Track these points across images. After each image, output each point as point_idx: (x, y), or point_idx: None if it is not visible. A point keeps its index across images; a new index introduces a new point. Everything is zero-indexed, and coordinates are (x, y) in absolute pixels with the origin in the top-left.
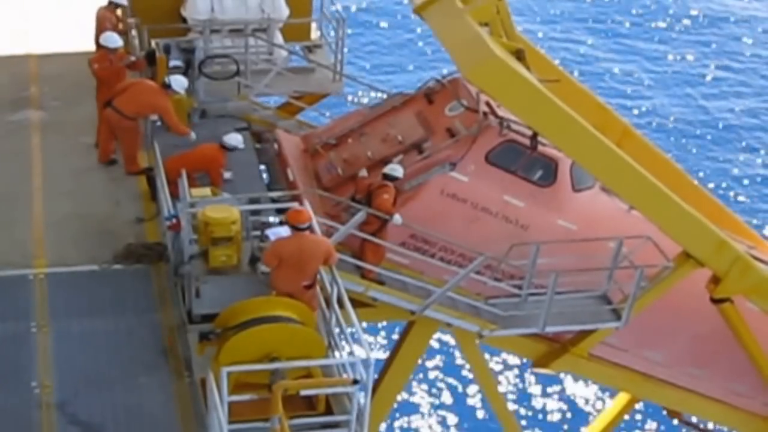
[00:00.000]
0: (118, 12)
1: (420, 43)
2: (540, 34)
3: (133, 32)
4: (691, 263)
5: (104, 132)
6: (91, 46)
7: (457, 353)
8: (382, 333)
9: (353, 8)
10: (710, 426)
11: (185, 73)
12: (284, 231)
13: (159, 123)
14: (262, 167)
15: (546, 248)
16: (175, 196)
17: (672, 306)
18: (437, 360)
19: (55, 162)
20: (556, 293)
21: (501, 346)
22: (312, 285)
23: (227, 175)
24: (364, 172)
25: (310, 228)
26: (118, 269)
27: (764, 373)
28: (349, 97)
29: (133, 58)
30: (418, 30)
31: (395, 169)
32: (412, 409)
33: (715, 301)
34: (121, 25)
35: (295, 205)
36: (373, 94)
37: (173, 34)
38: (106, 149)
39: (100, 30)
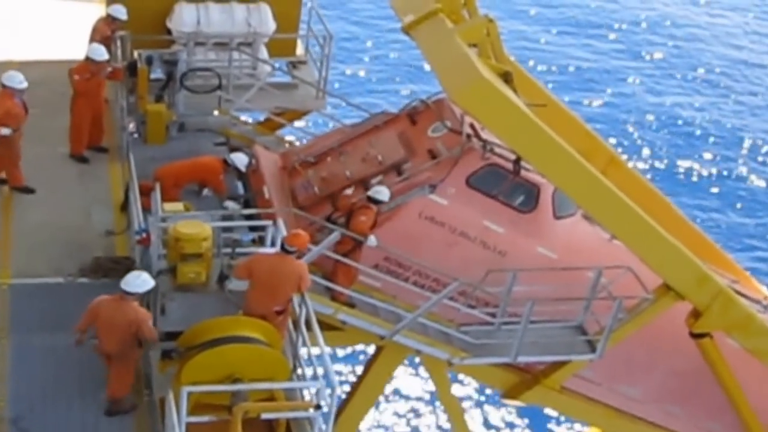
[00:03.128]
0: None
1: (407, 63)
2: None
3: (118, 42)
4: (671, 296)
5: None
6: (74, 54)
7: (426, 380)
8: (350, 357)
9: (340, 25)
10: None
11: (166, 86)
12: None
13: (136, 135)
14: (239, 183)
15: (523, 276)
16: (147, 209)
17: (650, 340)
18: (405, 386)
19: (29, 170)
20: (531, 322)
21: (471, 374)
22: (284, 311)
23: (205, 191)
24: (349, 191)
25: (295, 253)
26: (83, 283)
27: (742, 411)
28: (329, 110)
29: (110, 69)
30: (406, 50)
31: (380, 192)
32: None
33: (695, 336)
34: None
35: (268, 223)
36: (355, 112)
37: (157, 45)
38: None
39: (91, 40)
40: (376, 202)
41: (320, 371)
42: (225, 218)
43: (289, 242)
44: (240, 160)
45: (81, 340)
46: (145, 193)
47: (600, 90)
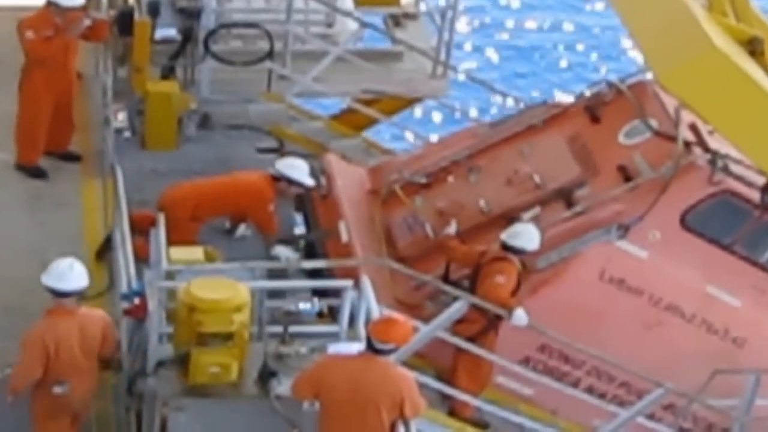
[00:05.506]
0: None
1: (582, 23)
2: None
3: None
4: None
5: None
6: None
7: None
8: None
9: None
10: None
11: (180, 52)
12: (353, 348)
13: (128, 133)
14: (298, 217)
15: None
16: (142, 258)
17: None
18: None
19: None
20: None
21: None
22: None
23: (241, 229)
24: (452, 228)
25: (391, 352)
26: None
27: None
28: (457, 106)
29: (88, 21)
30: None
31: (522, 235)
32: None
33: None
34: None
35: (346, 285)
36: (496, 101)
37: None
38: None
39: None
40: (518, 252)
41: None
42: (273, 275)
43: (381, 336)
44: (294, 168)
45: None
46: (142, 229)
47: None
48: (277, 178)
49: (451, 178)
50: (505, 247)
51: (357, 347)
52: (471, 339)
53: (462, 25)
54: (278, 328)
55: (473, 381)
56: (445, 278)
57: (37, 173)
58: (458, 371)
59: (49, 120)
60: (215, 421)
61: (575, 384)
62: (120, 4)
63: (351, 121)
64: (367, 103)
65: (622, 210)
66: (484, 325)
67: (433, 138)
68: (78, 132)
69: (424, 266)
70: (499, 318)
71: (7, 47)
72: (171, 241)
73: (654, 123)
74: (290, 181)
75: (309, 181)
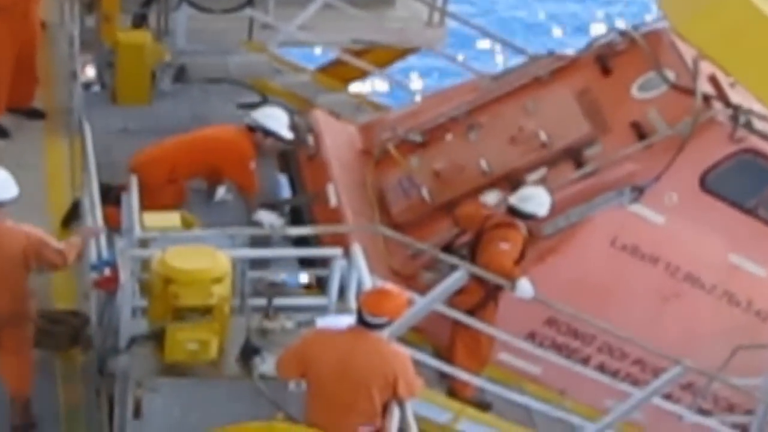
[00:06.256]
0: None
1: None
2: None
3: None
4: None
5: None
6: None
7: None
8: None
9: None
10: None
11: None
12: (343, 322)
13: (97, 87)
14: (282, 179)
15: None
16: (113, 226)
17: None
18: None
19: None
20: None
21: None
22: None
23: (221, 192)
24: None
25: (384, 327)
26: None
27: None
28: (459, 57)
29: None
30: None
31: (531, 199)
32: None
33: None
34: None
35: (335, 253)
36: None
37: None
38: None
39: None
40: (527, 217)
41: None
42: (256, 242)
43: (373, 309)
44: (271, 118)
45: None
46: (113, 196)
47: None
48: (253, 129)
49: (449, 137)
50: (513, 212)
51: (347, 321)
52: (469, 311)
53: None
54: (262, 301)
55: (472, 357)
56: (448, 246)
57: None
58: (456, 347)
59: (9, 74)
60: (193, 402)
61: (585, 361)
62: None
63: (340, 73)
64: (357, 53)
65: (635, 170)
66: (483, 297)
67: (427, 92)
68: (42, 86)
69: (421, 233)
70: (498, 288)
71: None
72: (146, 207)
73: (670, 75)
74: (266, 132)
75: (287, 133)
